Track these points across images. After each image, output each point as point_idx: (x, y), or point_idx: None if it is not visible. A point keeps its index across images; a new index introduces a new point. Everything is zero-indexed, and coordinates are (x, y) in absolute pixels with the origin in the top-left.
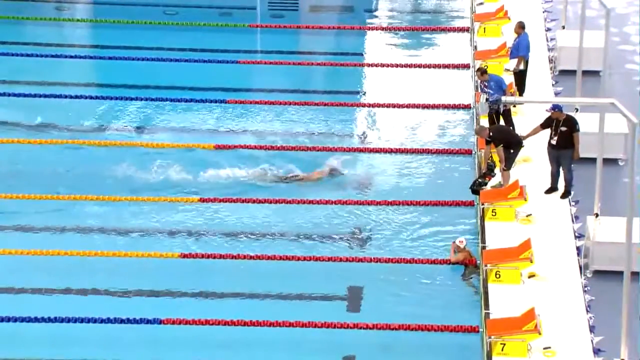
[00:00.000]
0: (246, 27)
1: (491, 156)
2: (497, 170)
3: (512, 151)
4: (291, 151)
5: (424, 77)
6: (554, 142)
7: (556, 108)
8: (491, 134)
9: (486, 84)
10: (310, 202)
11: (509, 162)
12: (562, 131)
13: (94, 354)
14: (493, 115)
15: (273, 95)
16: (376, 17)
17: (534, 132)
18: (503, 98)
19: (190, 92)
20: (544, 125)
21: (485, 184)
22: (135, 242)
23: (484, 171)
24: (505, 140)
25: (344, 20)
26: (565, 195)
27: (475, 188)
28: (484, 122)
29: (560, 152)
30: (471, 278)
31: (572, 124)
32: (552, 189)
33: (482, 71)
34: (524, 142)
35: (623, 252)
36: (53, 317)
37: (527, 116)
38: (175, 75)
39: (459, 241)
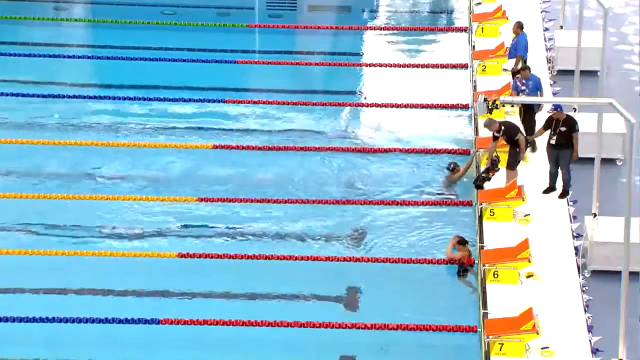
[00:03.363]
0: (244, 27)
1: (496, 151)
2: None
3: (518, 150)
4: (287, 151)
5: (422, 77)
6: (553, 141)
7: (557, 108)
8: (502, 128)
9: (524, 81)
10: (309, 201)
11: (514, 161)
12: (562, 131)
13: (92, 354)
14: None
15: (271, 95)
16: (374, 17)
17: (539, 133)
18: (501, 97)
19: (189, 92)
20: (546, 126)
21: (489, 179)
22: (133, 242)
23: (487, 166)
24: (513, 137)
25: (342, 20)
26: (563, 195)
27: (479, 183)
28: (481, 122)
29: (559, 151)
30: (465, 276)
31: (571, 124)
32: (551, 188)
33: (524, 67)
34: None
35: (621, 252)
36: (51, 317)
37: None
38: (173, 75)
39: (459, 239)
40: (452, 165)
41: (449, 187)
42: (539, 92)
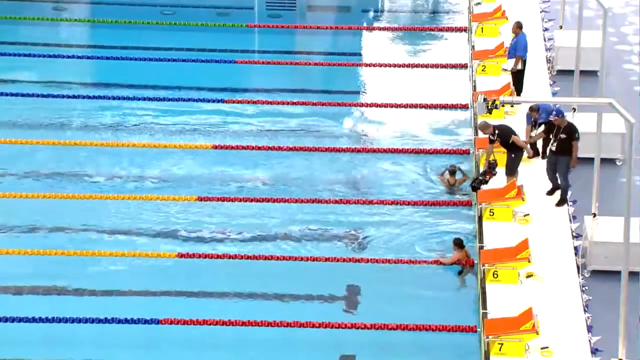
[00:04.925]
0: (244, 27)
1: (493, 154)
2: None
3: (513, 156)
4: (287, 151)
5: (421, 77)
6: (553, 148)
7: (559, 114)
8: (496, 132)
9: (537, 116)
10: (308, 201)
11: (512, 167)
12: (561, 138)
13: (91, 354)
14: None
15: (271, 95)
16: (374, 17)
17: (538, 137)
18: (501, 97)
19: (188, 92)
20: (546, 131)
21: (487, 182)
22: (133, 242)
23: (484, 169)
24: (507, 141)
25: (342, 20)
26: (560, 203)
27: (476, 186)
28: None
29: (557, 158)
30: (462, 274)
31: (571, 132)
32: (555, 189)
33: (533, 109)
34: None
35: (621, 252)
36: (51, 317)
37: (524, 116)
38: (173, 75)
39: (456, 241)
40: (451, 168)
41: (448, 189)
42: (550, 112)
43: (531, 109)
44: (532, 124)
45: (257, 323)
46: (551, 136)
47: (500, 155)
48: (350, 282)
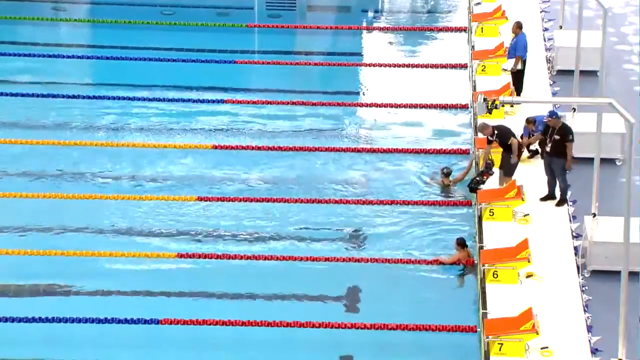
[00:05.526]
0: (244, 27)
1: (491, 154)
2: (494, 169)
3: (511, 155)
4: (287, 151)
5: (421, 77)
6: (548, 149)
7: (552, 115)
8: (495, 132)
9: (533, 128)
10: (309, 201)
11: (510, 168)
12: (555, 139)
13: (91, 354)
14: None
15: (271, 95)
16: (374, 17)
17: (535, 139)
18: (501, 97)
19: (188, 92)
20: (543, 133)
21: (484, 182)
22: (133, 242)
23: (482, 169)
24: (506, 142)
25: (342, 20)
26: (560, 203)
27: (473, 186)
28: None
29: (552, 159)
30: (464, 275)
31: (565, 133)
32: (549, 196)
33: (529, 121)
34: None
35: (621, 252)
36: (51, 317)
37: (524, 116)
38: (173, 75)
39: (459, 240)
40: (445, 170)
41: (445, 190)
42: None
43: (527, 121)
44: (529, 136)
45: (257, 323)
46: (547, 138)
47: (495, 155)
48: (350, 282)
